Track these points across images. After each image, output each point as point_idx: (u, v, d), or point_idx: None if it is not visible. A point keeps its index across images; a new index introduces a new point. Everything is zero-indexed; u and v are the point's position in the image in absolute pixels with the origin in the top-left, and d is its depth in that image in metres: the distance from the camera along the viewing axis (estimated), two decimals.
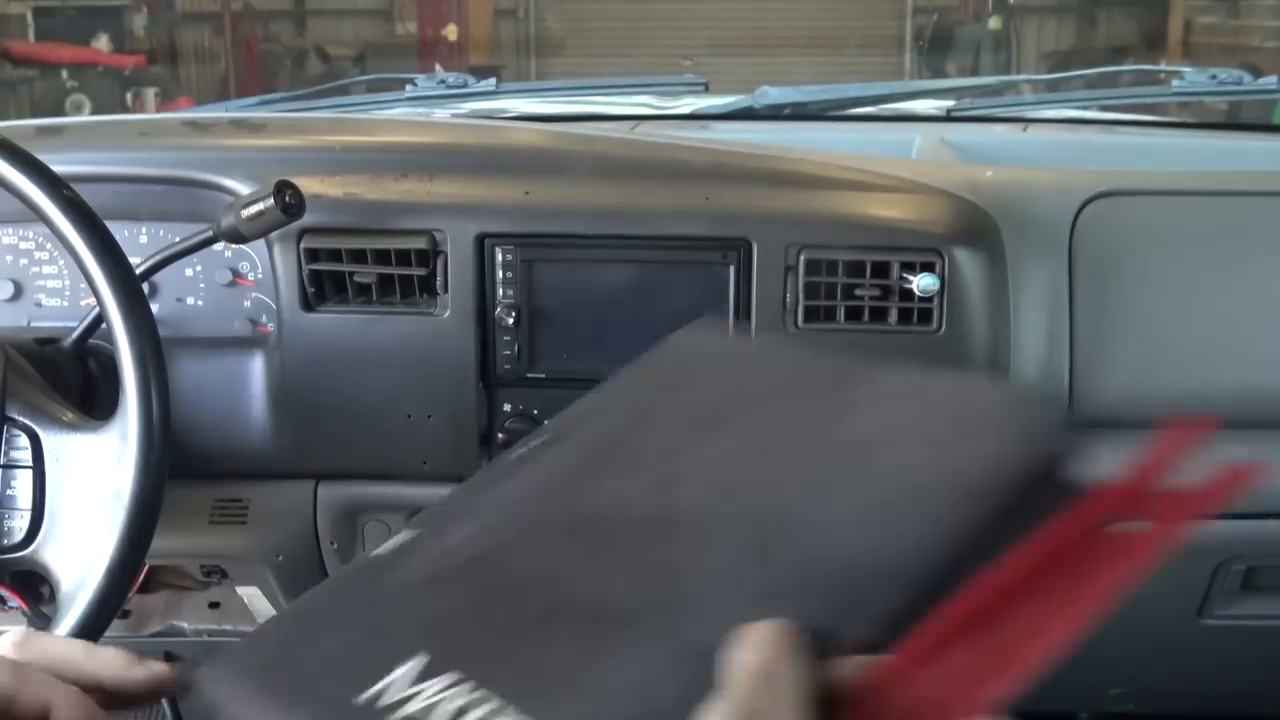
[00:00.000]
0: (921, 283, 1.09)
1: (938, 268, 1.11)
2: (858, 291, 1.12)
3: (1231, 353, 1.21)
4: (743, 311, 1.13)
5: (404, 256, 1.12)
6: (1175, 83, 1.94)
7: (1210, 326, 1.21)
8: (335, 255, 1.13)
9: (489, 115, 1.88)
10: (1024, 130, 1.86)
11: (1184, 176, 1.38)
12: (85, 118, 1.32)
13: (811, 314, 1.12)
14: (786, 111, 1.83)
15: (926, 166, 1.41)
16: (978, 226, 1.16)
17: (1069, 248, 1.20)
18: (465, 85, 1.87)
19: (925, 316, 1.12)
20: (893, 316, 1.13)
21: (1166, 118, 2.35)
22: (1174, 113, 2.49)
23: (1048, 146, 1.78)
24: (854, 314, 1.13)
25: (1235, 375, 1.21)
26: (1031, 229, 1.19)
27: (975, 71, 8.28)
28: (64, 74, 7.72)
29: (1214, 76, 1.89)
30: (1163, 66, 6.65)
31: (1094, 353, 1.19)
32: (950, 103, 1.95)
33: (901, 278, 1.11)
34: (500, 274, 1.13)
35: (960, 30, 9.18)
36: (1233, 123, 2.61)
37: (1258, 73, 1.97)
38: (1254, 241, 1.23)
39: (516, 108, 1.99)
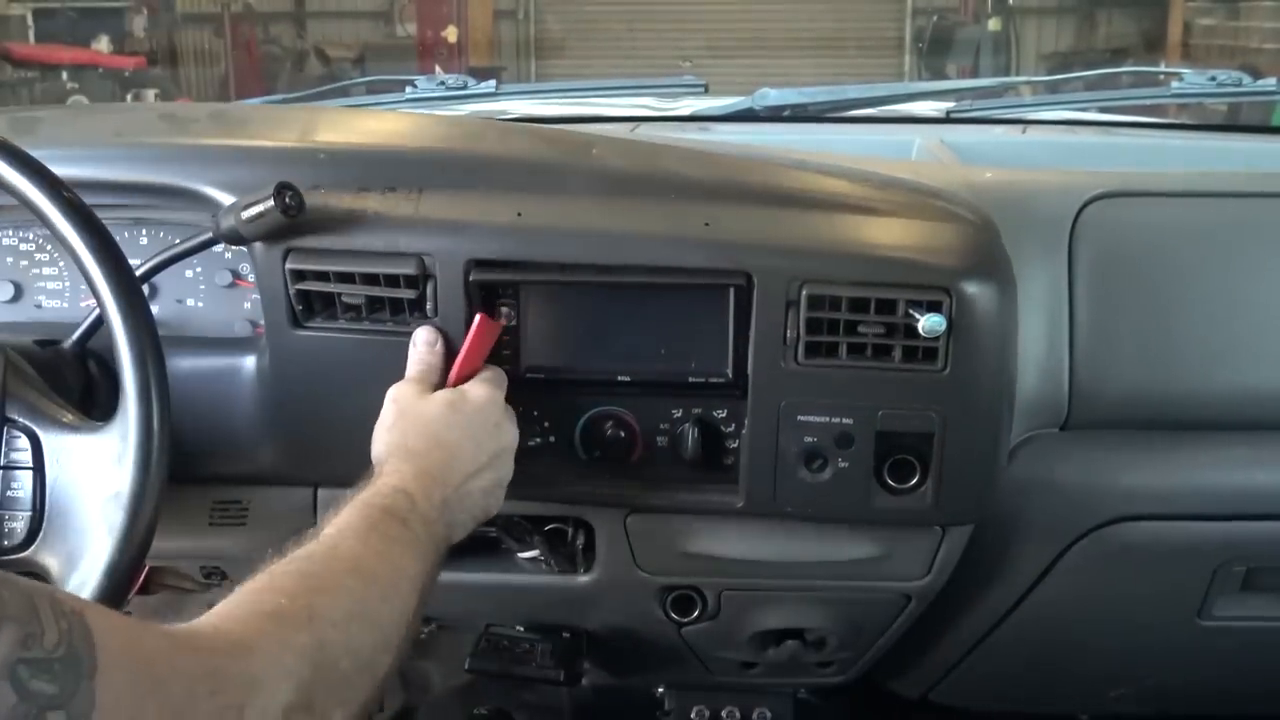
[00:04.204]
0: (927, 324, 1.03)
1: (945, 306, 1.04)
2: (861, 329, 1.06)
3: (1231, 353, 1.21)
4: (741, 342, 1.09)
5: (392, 279, 1.09)
6: (1174, 84, 1.95)
7: (1210, 327, 1.21)
8: (322, 276, 1.10)
9: (488, 117, 1.88)
10: (1023, 132, 1.86)
11: (1183, 178, 1.38)
12: (54, 108, 1.30)
13: (813, 350, 1.08)
14: (786, 113, 1.83)
15: (926, 168, 1.41)
16: (988, 257, 1.11)
17: (1069, 249, 1.20)
18: (465, 87, 1.87)
19: (930, 355, 1.06)
20: (897, 355, 1.07)
21: (1166, 119, 2.35)
22: (1173, 114, 2.49)
23: (1047, 148, 1.79)
24: (856, 350, 1.07)
25: (1235, 376, 1.21)
26: (1031, 230, 1.19)
27: (975, 73, 8.28)
28: (64, 75, 7.73)
29: (1213, 78, 1.89)
30: (1162, 68, 6.66)
31: (1095, 354, 1.19)
32: (950, 104, 1.95)
33: (907, 315, 1.05)
34: (493, 289, 1.11)
35: (960, 32, 9.18)
36: (1232, 124, 2.61)
37: (1257, 74, 1.97)
38: (1253, 242, 1.23)
39: (516, 109, 2.00)
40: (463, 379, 1.06)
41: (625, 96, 2.11)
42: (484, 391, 1.05)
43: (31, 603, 0.61)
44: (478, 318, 1.07)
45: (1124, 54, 8.72)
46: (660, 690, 1.62)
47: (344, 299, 1.11)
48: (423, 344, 1.08)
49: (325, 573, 0.83)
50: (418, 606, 0.89)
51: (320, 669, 0.75)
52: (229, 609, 0.77)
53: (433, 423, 1.01)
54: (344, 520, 0.90)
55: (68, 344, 1.13)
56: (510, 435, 1.07)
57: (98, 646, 0.62)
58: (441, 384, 1.07)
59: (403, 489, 0.94)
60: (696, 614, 1.29)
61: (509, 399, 1.08)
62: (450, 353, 1.08)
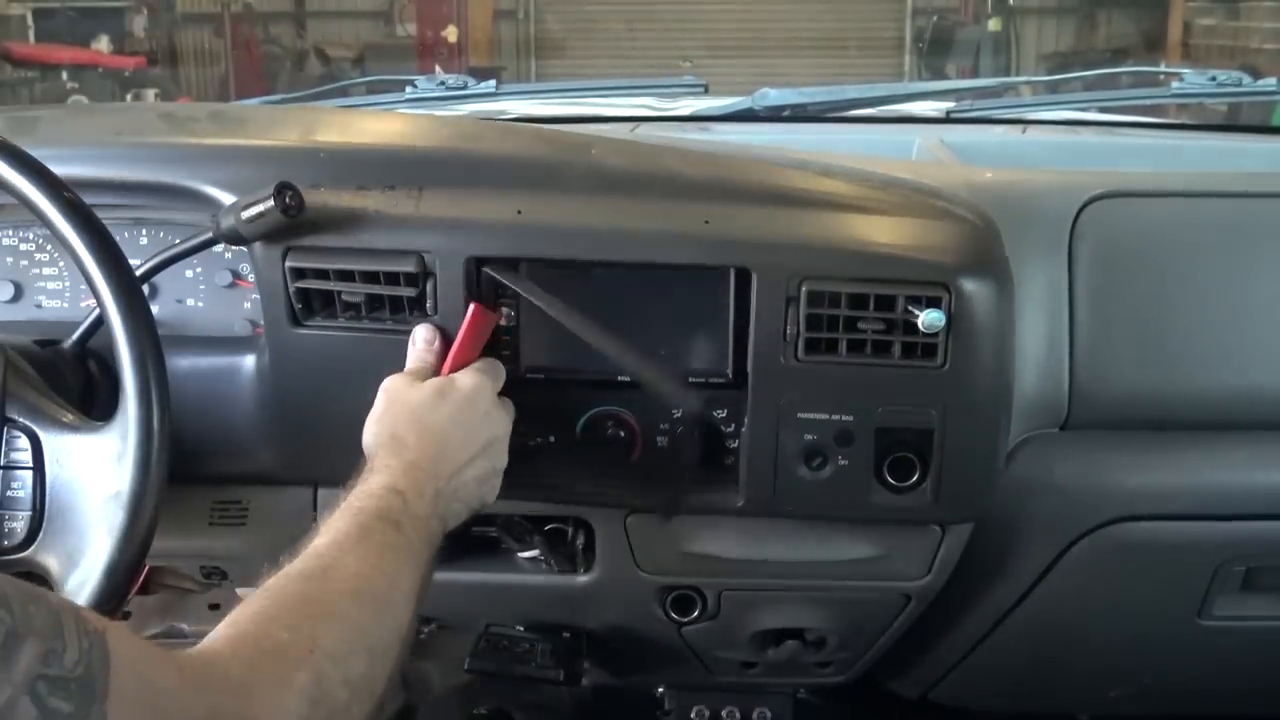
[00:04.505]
0: (927, 319, 1.03)
1: (944, 303, 1.05)
2: (860, 325, 1.07)
3: (1232, 353, 1.21)
4: (741, 340, 1.10)
5: (392, 277, 1.09)
6: (1175, 84, 1.95)
7: (1211, 327, 1.21)
8: (322, 274, 1.10)
9: (488, 117, 1.88)
10: (1023, 132, 1.86)
11: (1183, 178, 1.38)
12: (54, 107, 1.29)
13: (812, 346, 1.08)
14: (786, 113, 1.84)
15: (926, 168, 1.41)
16: (986, 254, 1.11)
17: (1069, 249, 1.20)
18: (465, 87, 1.87)
19: (929, 351, 1.07)
20: (896, 351, 1.07)
21: (1166, 119, 2.36)
22: (1173, 114, 2.49)
23: (1047, 148, 1.79)
24: (856, 347, 1.07)
25: (1236, 376, 1.21)
26: (1031, 230, 1.19)
27: (975, 73, 8.29)
28: (64, 75, 7.73)
29: (1213, 78, 1.89)
30: (1162, 68, 6.65)
31: (1094, 354, 1.19)
32: (950, 104, 1.95)
33: (907, 311, 1.05)
34: (493, 288, 1.10)
35: (960, 32, 9.18)
36: (1232, 124, 2.61)
37: (1257, 74, 1.98)
38: (1254, 242, 1.23)
39: (516, 109, 2.00)
40: (456, 369, 1.06)
41: (625, 96, 2.11)
42: (473, 379, 1.04)
43: (58, 619, 0.62)
44: (471, 308, 1.07)
45: (1124, 54, 8.72)
46: (660, 690, 1.62)
47: (343, 297, 1.11)
48: (421, 342, 1.08)
49: (325, 598, 0.83)
50: (412, 617, 0.89)
51: (318, 705, 0.76)
52: (234, 642, 0.77)
53: (420, 410, 1.01)
54: (339, 529, 0.89)
55: (68, 344, 1.13)
56: (502, 424, 1.06)
57: (112, 671, 0.63)
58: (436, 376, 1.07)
59: (394, 487, 0.94)
60: (696, 614, 1.29)
61: (511, 399, 1.08)
62: (449, 350, 1.08)
